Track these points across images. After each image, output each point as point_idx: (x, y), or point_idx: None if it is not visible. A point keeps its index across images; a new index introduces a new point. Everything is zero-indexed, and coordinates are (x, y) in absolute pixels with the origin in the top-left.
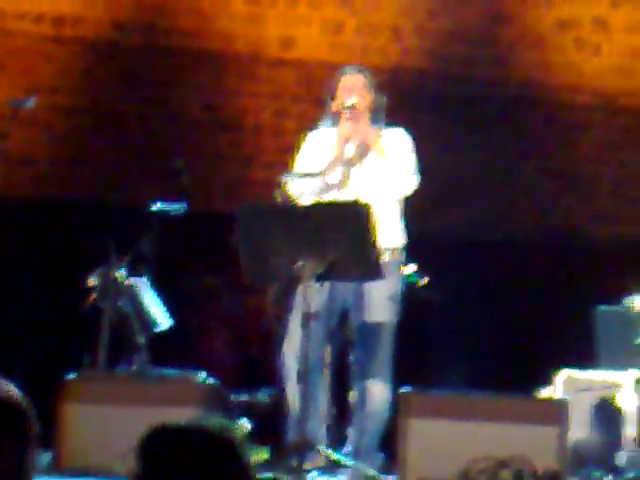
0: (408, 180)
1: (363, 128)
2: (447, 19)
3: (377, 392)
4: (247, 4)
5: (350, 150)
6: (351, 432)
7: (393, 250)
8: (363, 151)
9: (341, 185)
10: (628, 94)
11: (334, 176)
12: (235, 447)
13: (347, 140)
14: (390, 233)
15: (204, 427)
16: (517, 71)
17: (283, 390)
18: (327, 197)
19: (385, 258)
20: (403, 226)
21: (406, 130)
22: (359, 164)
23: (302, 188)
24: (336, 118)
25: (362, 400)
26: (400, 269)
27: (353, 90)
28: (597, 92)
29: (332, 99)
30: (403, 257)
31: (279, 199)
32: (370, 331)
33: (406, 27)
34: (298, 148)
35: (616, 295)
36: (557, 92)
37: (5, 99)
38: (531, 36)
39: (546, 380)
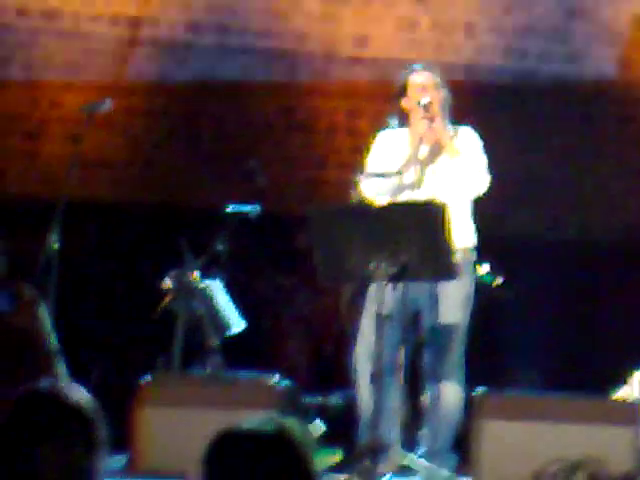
0: (481, 179)
1: (438, 127)
2: (522, 14)
3: (450, 394)
4: (321, 3)
5: (424, 150)
6: (424, 434)
7: (465, 250)
8: (437, 151)
9: (416, 185)
10: None
11: (408, 176)
12: (298, 449)
13: (422, 139)
14: (462, 233)
15: (268, 430)
16: (592, 67)
17: (356, 392)
18: (402, 197)
19: (457, 258)
20: (474, 226)
21: (474, 129)
22: (433, 164)
23: (377, 188)
24: (404, 116)
25: (435, 402)
26: (472, 269)
27: (426, 88)
28: None
29: (401, 96)
30: (474, 257)
31: (354, 199)
32: (442, 333)
33: (480, 23)
34: (369, 148)
35: None
36: (632, 88)
37: (81, 101)
38: (607, 31)
39: (622, 381)
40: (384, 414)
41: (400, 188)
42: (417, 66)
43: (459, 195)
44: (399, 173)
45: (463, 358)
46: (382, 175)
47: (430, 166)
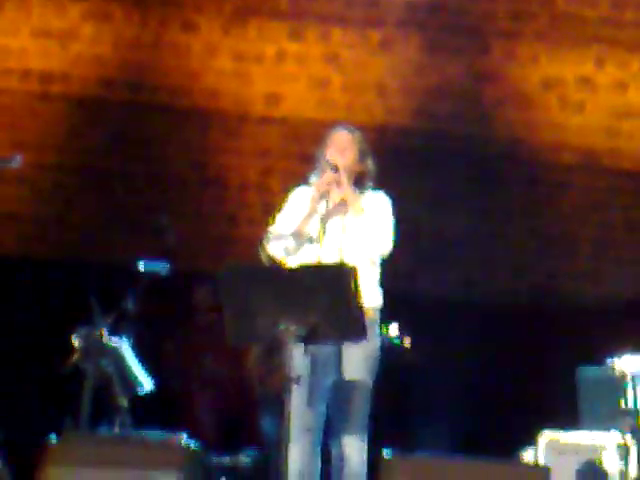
0: (383, 241)
1: (343, 186)
2: (433, 77)
3: (353, 451)
4: (234, 61)
5: (324, 207)
6: None
7: (370, 310)
8: (341, 208)
9: (316, 241)
10: (611, 153)
11: (311, 231)
12: None
13: (324, 197)
14: (368, 293)
15: None
16: (501, 129)
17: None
18: (304, 253)
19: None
20: (380, 287)
21: (386, 194)
22: (335, 221)
23: (286, 248)
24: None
25: (338, 461)
26: (376, 329)
27: (338, 149)
28: (580, 151)
29: (321, 154)
30: (379, 317)
31: (264, 259)
32: (346, 389)
33: (392, 85)
34: (283, 203)
35: (599, 356)
36: (540, 151)
37: None
38: (516, 94)
39: (529, 442)
40: (311, 473)
41: (301, 245)
42: (339, 127)
43: (362, 254)
44: (299, 233)
45: (367, 416)
46: (283, 236)
47: (332, 223)
